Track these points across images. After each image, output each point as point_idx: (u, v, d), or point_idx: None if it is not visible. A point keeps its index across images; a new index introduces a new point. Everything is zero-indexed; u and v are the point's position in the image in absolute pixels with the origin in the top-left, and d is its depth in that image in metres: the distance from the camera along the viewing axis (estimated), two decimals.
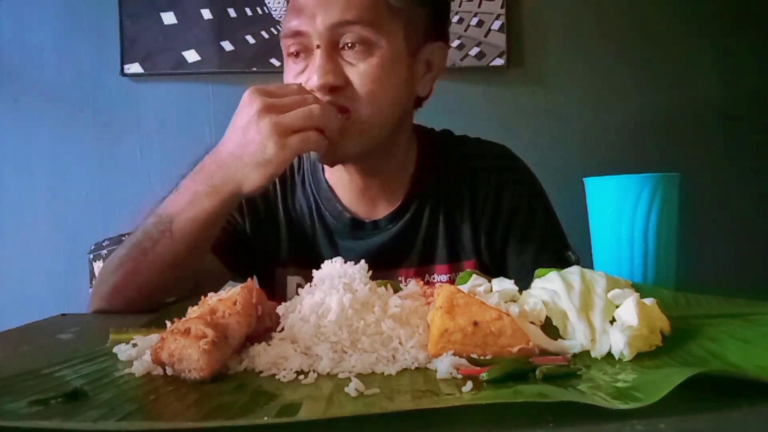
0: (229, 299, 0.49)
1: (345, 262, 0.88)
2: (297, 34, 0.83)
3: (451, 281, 0.89)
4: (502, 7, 1.70)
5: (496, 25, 1.70)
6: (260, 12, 1.70)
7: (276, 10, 1.70)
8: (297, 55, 0.85)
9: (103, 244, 1.41)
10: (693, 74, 1.78)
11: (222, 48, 1.69)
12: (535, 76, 1.76)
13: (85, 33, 1.70)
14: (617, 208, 0.71)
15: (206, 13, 1.69)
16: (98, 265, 1.40)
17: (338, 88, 0.81)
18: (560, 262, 0.87)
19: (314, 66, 0.82)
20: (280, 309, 0.54)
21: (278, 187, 0.98)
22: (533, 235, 0.94)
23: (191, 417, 0.35)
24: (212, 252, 0.90)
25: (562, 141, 1.75)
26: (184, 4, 1.68)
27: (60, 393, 0.38)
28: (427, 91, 0.93)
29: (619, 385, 0.39)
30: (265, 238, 0.97)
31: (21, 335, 0.65)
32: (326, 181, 0.97)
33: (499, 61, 1.70)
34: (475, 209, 0.95)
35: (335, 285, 0.52)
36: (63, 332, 0.64)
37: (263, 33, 1.70)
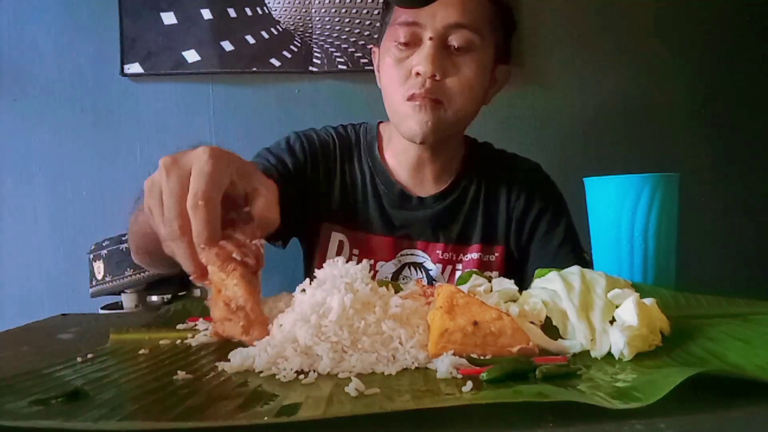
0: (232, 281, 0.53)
1: (391, 227, 1.05)
2: (413, 24, 0.93)
3: (480, 261, 1.04)
4: None
5: None
6: (260, 12, 1.70)
7: (276, 10, 1.70)
8: (406, 44, 0.94)
9: (103, 244, 1.41)
10: (694, 74, 1.78)
11: (222, 48, 1.69)
12: (535, 76, 1.76)
13: (85, 33, 1.70)
14: (617, 208, 0.71)
15: (206, 13, 1.69)
16: (98, 265, 1.40)
17: (438, 79, 0.92)
18: (578, 258, 1.02)
19: (424, 54, 0.92)
20: (283, 316, 0.54)
21: (338, 152, 1.08)
22: (557, 232, 1.07)
23: (192, 417, 0.35)
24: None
25: (562, 141, 1.75)
26: (184, 4, 1.68)
27: (60, 393, 0.38)
28: (489, 101, 1.05)
29: (619, 385, 0.39)
30: (320, 194, 1.07)
31: (21, 335, 0.65)
32: (381, 157, 1.08)
33: None
34: (509, 202, 1.07)
35: (336, 285, 0.52)
36: (63, 332, 0.64)
37: (263, 33, 1.70)
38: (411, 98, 0.94)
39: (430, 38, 0.92)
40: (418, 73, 0.92)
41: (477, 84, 0.96)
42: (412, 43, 0.94)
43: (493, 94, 1.05)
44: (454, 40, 0.93)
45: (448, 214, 1.06)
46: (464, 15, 0.93)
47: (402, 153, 1.05)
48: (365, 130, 1.12)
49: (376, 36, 1.40)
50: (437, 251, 1.05)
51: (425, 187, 1.07)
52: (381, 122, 1.11)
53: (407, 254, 1.05)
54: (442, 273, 1.04)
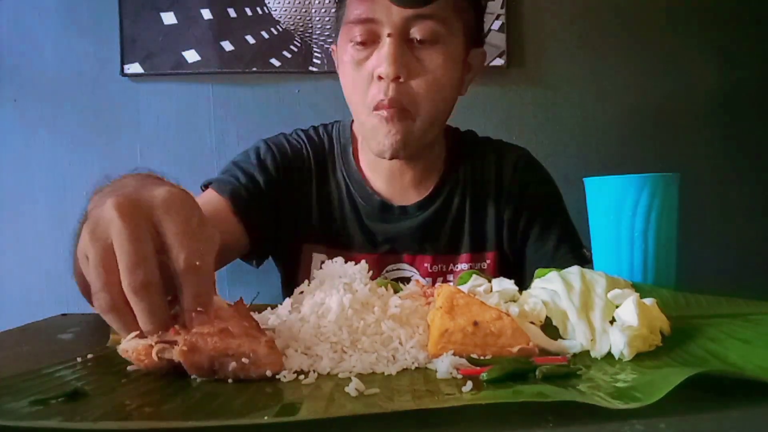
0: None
1: (373, 243, 0.95)
2: (368, 21, 0.84)
3: (472, 269, 0.96)
4: (502, 7, 1.70)
5: (496, 25, 1.70)
6: (260, 12, 1.70)
7: (276, 10, 1.70)
8: (363, 43, 0.85)
9: None
10: (694, 74, 1.78)
11: (222, 48, 1.69)
12: (535, 76, 1.76)
13: (85, 33, 1.70)
14: (617, 208, 0.71)
15: (206, 13, 1.69)
16: None
17: (403, 80, 0.83)
18: (577, 257, 0.94)
19: (383, 54, 0.83)
20: (286, 303, 0.54)
21: (312, 162, 0.99)
22: (554, 230, 0.98)
23: (192, 417, 0.35)
24: (234, 213, 0.89)
25: (562, 141, 1.75)
26: (184, 4, 1.68)
27: (60, 393, 0.38)
28: (465, 91, 0.96)
29: (619, 385, 0.39)
30: (296, 212, 0.98)
31: (21, 335, 0.65)
32: (357, 163, 0.99)
33: (499, 61, 1.70)
34: (499, 203, 0.99)
35: (335, 285, 0.52)
36: (63, 332, 0.64)
37: (263, 33, 1.70)
38: (376, 108, 0.84)
39: (389, 35, 0.82)
40: (380, 77, 0.83)
41: (447, 79, 0.87)
42: (370, 42, 0.85)
43: (470, 81, 0.96)
44: (417, 33, 0.83)
45: (434, 223, 0.98)
46: (424, 3, 0.82)
47: (376, 161, 0.96)
48: (338, 132, 1.02)
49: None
50: (425, 264, 0.98)
51: (406, 195, 0.98)
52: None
53: (393, 269, 0.98)
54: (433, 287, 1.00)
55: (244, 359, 0.42)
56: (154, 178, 0.53)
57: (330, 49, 1.03)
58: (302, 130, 1.04)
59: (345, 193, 0.99)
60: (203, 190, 0.96)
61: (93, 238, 0.44)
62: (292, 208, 0.98)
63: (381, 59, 0.83)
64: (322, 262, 0.97)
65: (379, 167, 0.98)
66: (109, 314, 0.44)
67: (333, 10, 1.68)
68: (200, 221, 0.45)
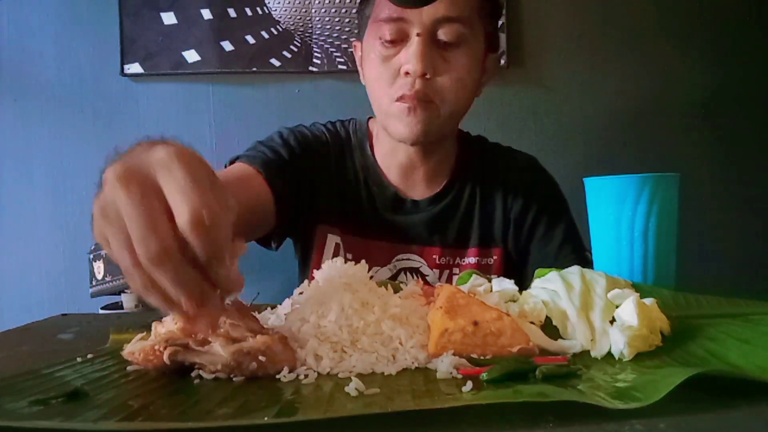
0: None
1: (385, 232, 1.00)
2: (398, 20, 0.88)
3: (479, 264, 1.00)
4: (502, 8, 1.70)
5: None
6: (260, 12, 1.70)
7: (276, 10, 1.70)
8: (391, 41, 0.89)
9: None
10: (694, 74, 1.78)
11: (222, 48, 1.69)
12: (534, 76, 1.76)
13: (85, 33, 1.70)
14: (617, 208, 0.71)
15: (206, 13, 1.69)
16: (98, 265, 1.40)
17: (429, 77, 0.88)
18: (579, 259, 0.97)
19: (412, 52, 0.87)
20: (286, 304, 0.54)
21: (332, 152, 1.03)
22: (558, 231, 1.02)
23: (191, 417, 0.35)
24: (264, 180, 0.90)
25: (562, 141, 1.75)
26: (184, 4, 1.68)
27: (60, 393, 0.38)
28: (480, 93, 1.01)
29: (619, 385, 0.39)
30: (315, 191, 1.02)
31: (21, 335, 0.65)
32: (373, 156, 1.03)
33: (499, 61, 1.70)
34: (506, 202, 1.03)
35: (335, 285, 0.52)
36: (63, 332, 0.64)
37: (263, 33, 1.70)
38: (400, 99, 0.89)
39: (418, 34, 0.87)
40: (407, 73, 0.87)
41: (470, 79, 0.92)
42: (399, 40, 0.89)
43: (484, 84, 1.01)
44: (444, 35, 0.88)
45: (443, 218, 1.02)
46: (452, 7, 0.87)
47: (391, 154, 1.01)
48: (355, 126, 1.06)
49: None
50: (434, 256, 1.01)
51: (418, 189, 1.02)
52: (371, 117, 1.06)
53: (402, 259, 1.01)
54: (439, 279, 1.01)
55: (260, 357, 0.43)
56: (162, 143, 0.48)
57: (352, 45, 1.07)
58: (320, 123, 1.08)
59: (362, 182, 1.03)
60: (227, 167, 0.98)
61: (104, 216, 0.40)
62: (312, 187, 1.01)
63: (409, 56, 0.87)
64: (337, 244, 0.99)
65: (394, 162, 1.01)
66: (147, 293, 0.40)
67: (333, 10, 1.68)
68: (210, 176, 0.41)
